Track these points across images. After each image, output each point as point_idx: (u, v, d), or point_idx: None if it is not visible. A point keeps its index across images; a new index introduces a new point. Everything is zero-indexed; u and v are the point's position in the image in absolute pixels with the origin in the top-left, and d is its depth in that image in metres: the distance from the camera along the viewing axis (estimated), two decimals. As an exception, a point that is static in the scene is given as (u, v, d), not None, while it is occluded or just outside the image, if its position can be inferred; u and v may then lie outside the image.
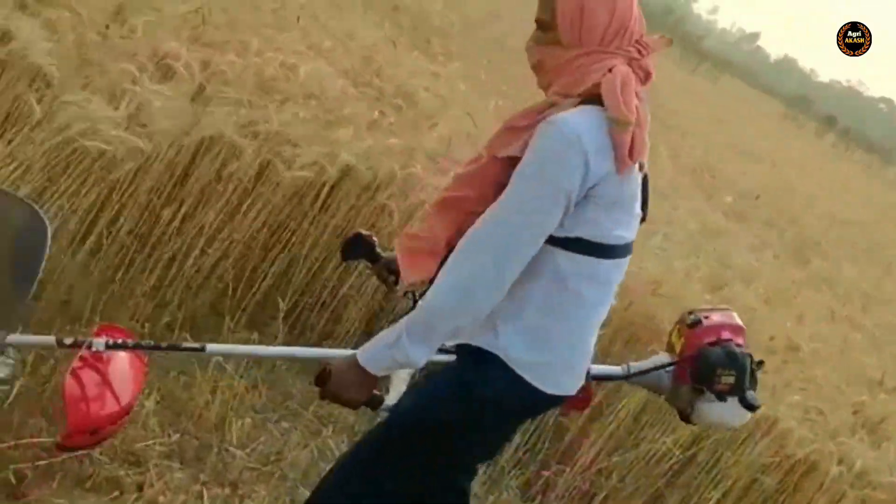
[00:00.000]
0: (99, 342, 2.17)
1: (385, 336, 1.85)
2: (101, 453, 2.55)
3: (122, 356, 2.26)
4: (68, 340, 2.21)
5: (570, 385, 1.99)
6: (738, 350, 2.22)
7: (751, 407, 2.21)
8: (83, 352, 2.15)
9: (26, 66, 2.93)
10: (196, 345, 2.34)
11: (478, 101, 5.53)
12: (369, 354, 1.85)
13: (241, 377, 3.12)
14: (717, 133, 17.72)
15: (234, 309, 3.36)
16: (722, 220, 7.63)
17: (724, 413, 2.24)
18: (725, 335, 2.24)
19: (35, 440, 2.45)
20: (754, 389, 2.24)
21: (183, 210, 3.24)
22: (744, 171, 13.12)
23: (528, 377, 1.89)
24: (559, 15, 1.83)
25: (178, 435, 2.80)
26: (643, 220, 2.00)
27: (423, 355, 1.83)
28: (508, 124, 1.91)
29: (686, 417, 2.29)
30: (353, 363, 1.86)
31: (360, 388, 1.88)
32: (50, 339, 2.25)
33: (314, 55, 4.34)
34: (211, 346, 2.30)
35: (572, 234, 1.83)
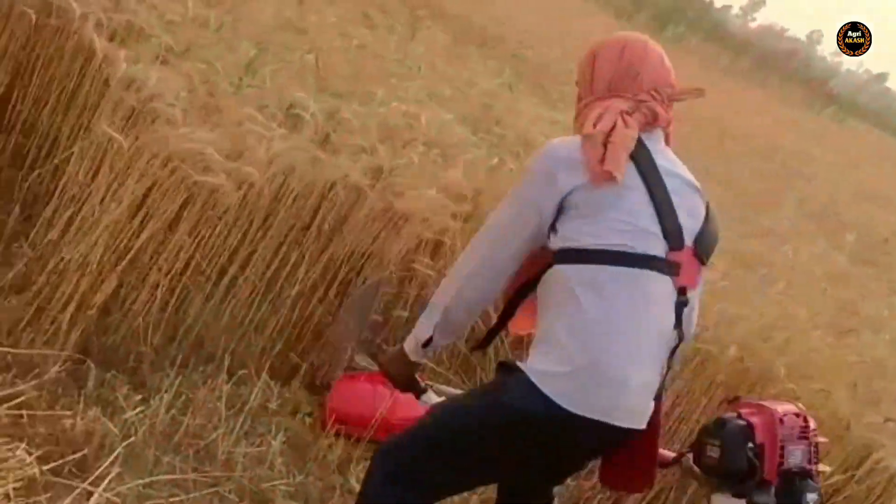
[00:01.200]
0: None
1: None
2: (229, 491, 2.61)
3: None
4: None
5: (605, 410, 1.91)
6: (732, 420, 1.97)
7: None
8: None
9: (151, 111, 3.06)
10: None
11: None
12: (406, 341, 2.20)
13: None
14: (844, 176, 17.10)
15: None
16: (848, 266, 7.32)
17: None
18: (744, 412, 2.00)
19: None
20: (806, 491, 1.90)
21: (308, 252, 3.33)
22: (872, 215, 12.62)
23: (545, 389, 1.91)
24: (578, 73, 2.21)
25: (302, 476, 2.84)
26: (705, 257, 2.08)
27: (424, 331, 2.13)
28: None
29: None
30: (400, 348, 2.22)
31: (398, 367, 2.23)
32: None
33: (435, 104, 4.43)
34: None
35: (562, 246, 2.00)
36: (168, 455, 2.58)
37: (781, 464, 1.92)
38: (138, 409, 2.61)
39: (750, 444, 1.94)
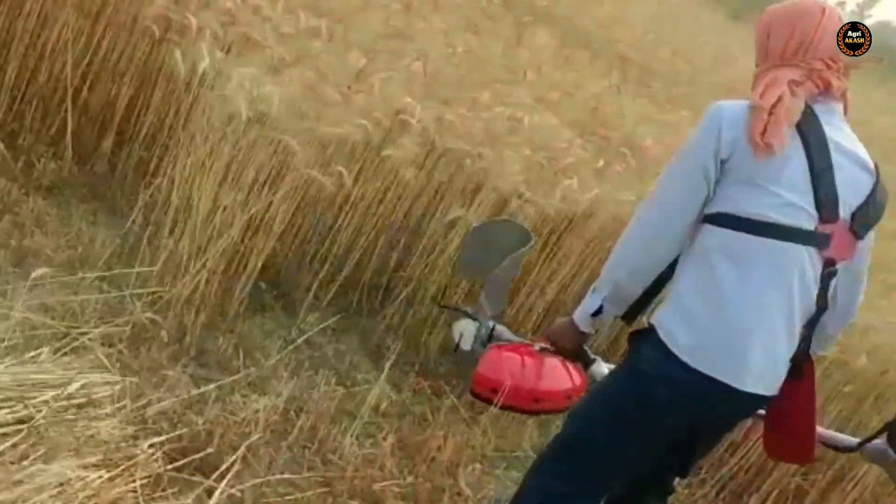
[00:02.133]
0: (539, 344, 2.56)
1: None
2: (341, 492, 2.66)
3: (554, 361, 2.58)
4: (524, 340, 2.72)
5: (731, 372, 1.98)
6: None
7: None
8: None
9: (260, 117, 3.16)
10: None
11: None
12: (576, 311, 2.25)
13: (472, 424, 3.17)
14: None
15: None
16: None
17: None
18: None
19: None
20: None
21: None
22: None
23: (676, 351, 1.99)
24: (755, 40, 2.15)
25: (412, 477, 2.88)
26: (861, 231, 2.06)
27: (594, 303, 2.18)
28: None
29: None
30: (570, 318, 2.27)
31: (568, 336, 2.30)
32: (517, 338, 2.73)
33: (541, 107, 4.42)
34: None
35: (713, 210, 2.01)
36: (283, 454, 2.65)
37: None
38: (256, 409, 2.69)
39: None
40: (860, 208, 2.04)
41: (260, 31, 3.43)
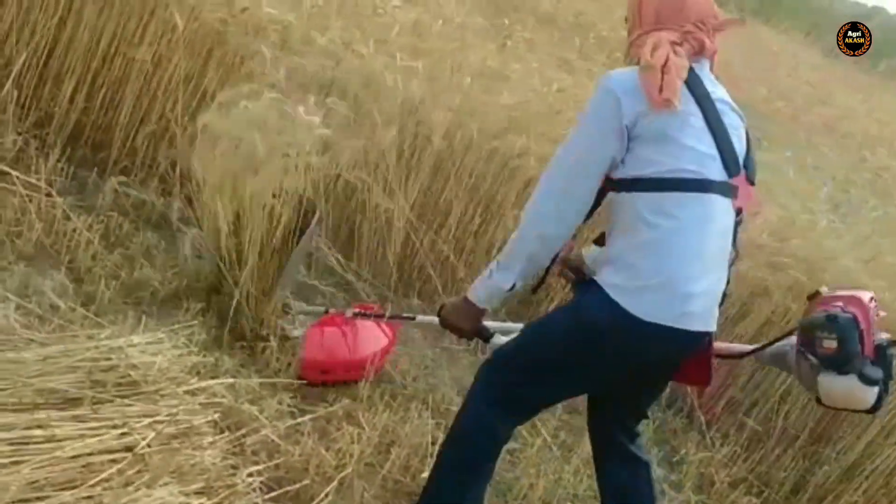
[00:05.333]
0: (349, 311, 3.05)
1: (482, 273, 2.30)
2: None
3: (368, 324, 3.13)
4: (332, 310, 3.13)
5: (674, 317, 2.09)
6: (840, 314, 2.15)
7: (868, 380, 2.13)
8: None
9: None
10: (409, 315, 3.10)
11: (806, 185, 5.35)
12: (472, 288, 2.32)
13: (565, 462, 3.16)
14: None
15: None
16: None
17: (846, 388, 2.16)
18: (837, 304, 2.19)
19: None
20: (887, 369, 2.16)
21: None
22: None
23: (619, 300, 2.08)
24: (628, 10, 2.32)
25: (500, 515, 2.88)
26: (753, 177, 2.24)
27: (507, 280, 2.23)
28: None
29: (817, 399, 2.25)
30: (463, 297, 2.35)
31: (467, 317, 2.36)
32: (320, 308, 3.17)
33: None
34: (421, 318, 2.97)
35: (633, 174, 2.12)
36: (374, 488, 2.68)
37: (872, 341, 2.18)
38: (351, 441, 2.73)
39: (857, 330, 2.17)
40: (747, 156, 2.22)
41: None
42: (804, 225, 4.29)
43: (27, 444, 2.03)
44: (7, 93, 3.28)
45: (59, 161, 3.31)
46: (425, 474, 2.77)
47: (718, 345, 2.38)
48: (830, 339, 2.16)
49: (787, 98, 10.49)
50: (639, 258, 2.11)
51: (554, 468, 3.08)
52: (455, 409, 3.27)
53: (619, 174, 2.15)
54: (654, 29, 2.22)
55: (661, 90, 2.08)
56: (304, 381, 2.95)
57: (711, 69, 2.26)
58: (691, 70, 2.16)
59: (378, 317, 3.11)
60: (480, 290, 2.30)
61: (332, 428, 2.81)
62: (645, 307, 2.08)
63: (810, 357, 2.20)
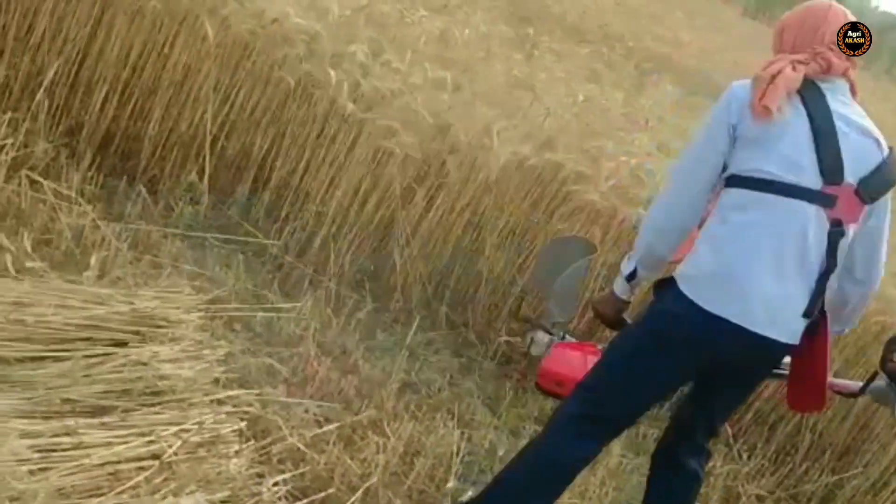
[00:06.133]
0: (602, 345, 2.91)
1: None
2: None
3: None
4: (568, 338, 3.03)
5: (733, 312, 2.17)
6: None
7: None
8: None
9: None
10: None
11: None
12: (615, 282, 2.50)
13: (590, 474, 3.14)
14: None
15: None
16: None
17: None
18: None
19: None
20: None
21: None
22: None
23: (685, 289, 2.22)
24: (772, 46, 2.42)
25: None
26: (867, 197, 2.24)
27: (627, 267, 2.43)
28: None
29: None
30: (611, 289, 2.53)
31: (608, 305, 2.55)
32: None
33: (664, 155, 4.40)
34: None
35: (729, 173, 2.26)
36: (399, 498, 2.68)
37: None
38: (376, 450, 2.73)
39: None
40: (868, 176, 2.23)
41: (391, 83, 3.54)
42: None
43: (55, 451, 2.05)
44: (39, 102, 3.32)
45: (88, 170, 3.34)
46: (450, 484, 2.78)
47: (833, 380, 2.45)
48: None
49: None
50: (704, 248, 2.26)
51: (580, 480, 3.03)
52: (479, 419, 3.29)
53: (723, 174, 2.28)
54: (790, 51, 2.33)
55: (761, 98, 2.19)
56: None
57: (852, 92, 2.33)
58: (813, 84, 2.25)
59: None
60: (617, 280, 2.49)
61: (358, 437, 2.81)
62: (704, 295, 2.20)
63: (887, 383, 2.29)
